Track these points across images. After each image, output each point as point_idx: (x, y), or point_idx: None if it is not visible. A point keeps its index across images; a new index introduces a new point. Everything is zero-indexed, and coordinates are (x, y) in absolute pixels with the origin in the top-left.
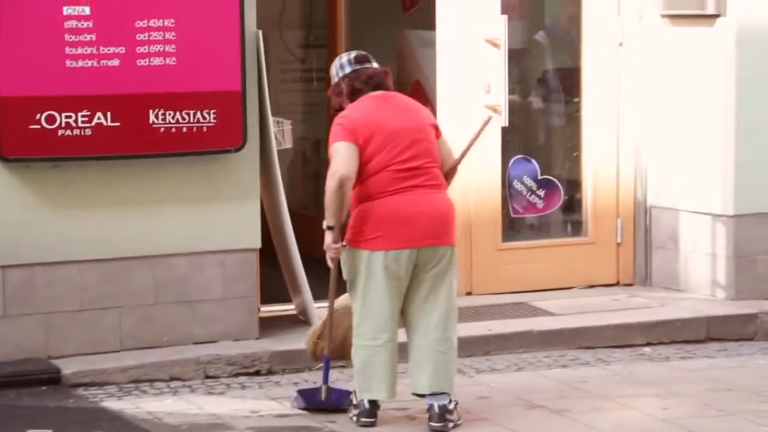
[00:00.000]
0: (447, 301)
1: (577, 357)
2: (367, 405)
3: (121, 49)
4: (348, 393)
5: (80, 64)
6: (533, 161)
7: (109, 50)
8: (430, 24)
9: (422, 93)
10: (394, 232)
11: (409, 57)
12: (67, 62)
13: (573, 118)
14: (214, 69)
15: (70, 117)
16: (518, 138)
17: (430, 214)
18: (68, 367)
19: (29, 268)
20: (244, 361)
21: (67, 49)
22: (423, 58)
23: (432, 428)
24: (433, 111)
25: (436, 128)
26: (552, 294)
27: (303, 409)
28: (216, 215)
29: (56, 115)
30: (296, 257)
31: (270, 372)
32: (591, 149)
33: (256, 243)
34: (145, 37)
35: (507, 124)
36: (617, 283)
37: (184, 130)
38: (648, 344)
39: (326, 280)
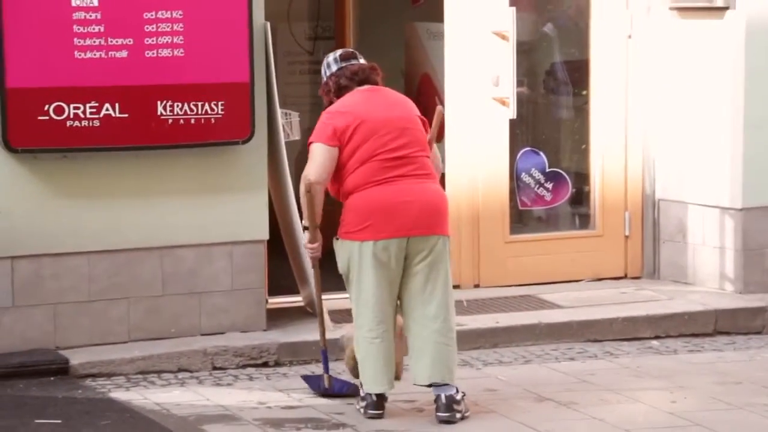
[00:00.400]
0: (444, 292)
1: (584, 350)
2: (374, 397)
3: (130, 41)
4: (350, 384)
5: (88, 55)
6: (541, 154)
7: (117, 42)
8: (438, 16)
9: (430, 85)
10: (383, 222)
11: (417, 49)
12: (76, 53)
13: (581, 111)
14: (223, 61)
15: (78, 108)
16: (526, 130)
17: (419, 204)
18: (76, 358)
19: (37, 259)
20: (252, 352)
21: (76, 41)
22: (431, 50)
23: (439, 418)
24: (441, 103)
25: (425, 122)
26: (560, 287)
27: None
28: (224, 207)
29: (64, 106)
30: (304, 249)
31: (278, 363)
32: (599, 142)
33: (264, 234)
34: (153, 28)
35: (515, 117)
36: (625, 276)
37: (192, 121)
38: (656, 337)
39: (332, 272)
